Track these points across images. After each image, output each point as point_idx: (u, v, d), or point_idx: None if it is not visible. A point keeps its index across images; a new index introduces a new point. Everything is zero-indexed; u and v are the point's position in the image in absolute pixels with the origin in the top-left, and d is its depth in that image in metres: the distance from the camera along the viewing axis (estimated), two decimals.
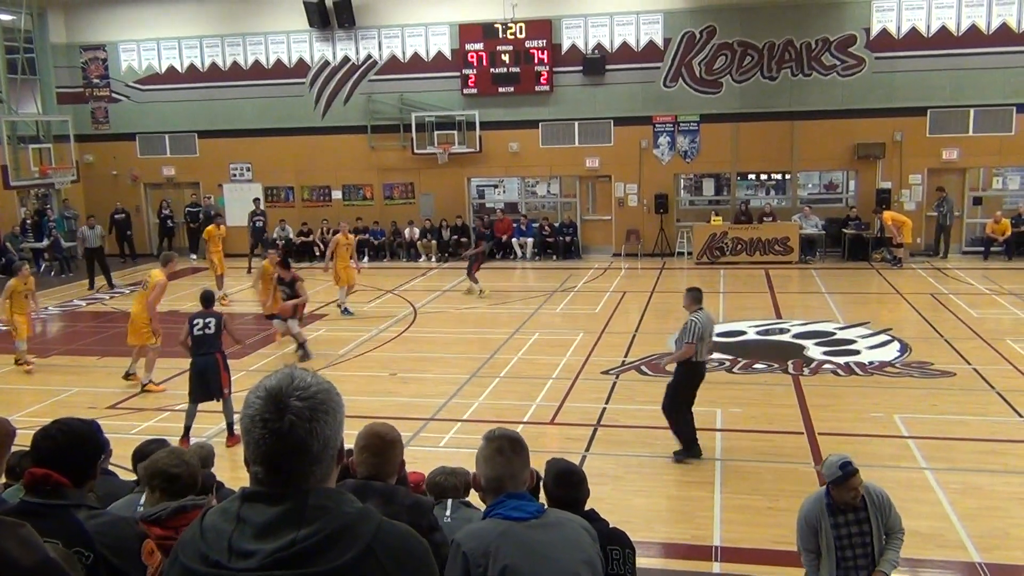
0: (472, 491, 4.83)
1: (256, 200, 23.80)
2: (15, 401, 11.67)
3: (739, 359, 12.75)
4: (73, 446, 2.97)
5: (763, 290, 18.23)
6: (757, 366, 12.43)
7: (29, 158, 22.04)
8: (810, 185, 24.04)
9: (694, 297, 9.04)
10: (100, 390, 12.22)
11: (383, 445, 3.49)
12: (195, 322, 9.92)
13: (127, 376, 12.46)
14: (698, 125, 22.36)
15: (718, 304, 16.97)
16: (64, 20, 25.28)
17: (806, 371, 12.10)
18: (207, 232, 18.91)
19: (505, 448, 3.03)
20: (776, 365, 12.41)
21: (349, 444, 3.77)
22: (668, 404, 9.06)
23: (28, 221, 23.99)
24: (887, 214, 20.55)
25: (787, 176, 22.96)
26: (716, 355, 12.92)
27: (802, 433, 9.73)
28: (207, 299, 10.41)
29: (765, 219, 21.80)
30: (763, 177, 23.97)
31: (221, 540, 1.80)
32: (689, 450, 8.96)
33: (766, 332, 14.54)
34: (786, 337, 14.15)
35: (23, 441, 4.00)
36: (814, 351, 13.13)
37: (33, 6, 22.16)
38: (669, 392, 9.08)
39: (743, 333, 14.46)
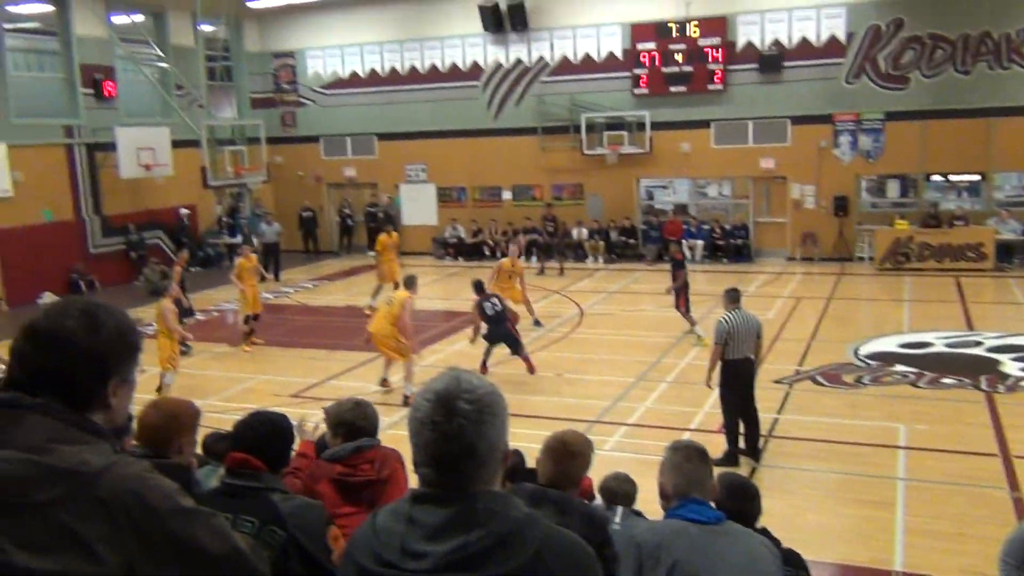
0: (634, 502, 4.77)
1: (548, 206, 23.94)
2: (206, 386, 12.55)
3: (925, 372, 11.97)
4: (271, 436, 3.23)
5: (953, 299, 17.05)
6: (945, 381, 11.63)
7: (225, 160, 23.61)
8: (1008, 187, 22.20)
9: (731, 297, 9.32)
10: (284, 379, 12.94)
11: (566, 454, 3.41)
12: (484, 305, 12.37)
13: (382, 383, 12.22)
14: (882, 123, 21.20)
15: (902, 313, 16.04)
16: (258, 30, 27.03)
17: (1001, 388, 11.21)
18: (380, 243, 18.53)
19: (693, 456, 3.08)
20: (967, 380, 11.57)
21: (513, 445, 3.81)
22: (722, 408, 9.21)
23: (223, 219, 25.79)
24: None
25: (981, 177, 21.36)
26: (899, 367, 12.25)
27: (996, 455, 9.02)
28: (477, 287, 12.68)
29: (956, 223, 20.38)
30: (954, 178, 22.36)
31: (393, 540, 1.84)
32: (727, 458, 8.84)
33: (956, 344, 13.58)
34: (979, 351, 13.17)
35: (211, 423, 4.30)
36: (1011, 366, 12.14)
37: (231, 17, 23.78)
38: (720, 396, 9.24)
39: (930, 345, 13.57)
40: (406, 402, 11.50)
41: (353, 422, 3.93)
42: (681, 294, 14.59)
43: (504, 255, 22.81)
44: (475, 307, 12.65)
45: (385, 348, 11.86)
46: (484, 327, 12.54)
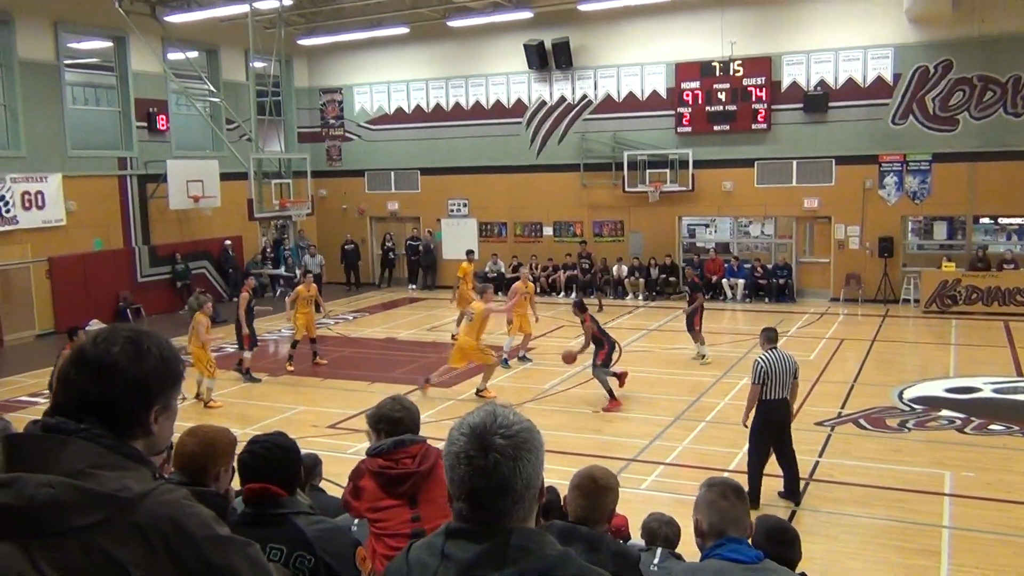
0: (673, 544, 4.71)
1: (583, 243, 24.07)
2: (246, 415, 12.67)
3: (972, 418, 11.70)
4: (282, 460, 3.25)
5: (1002, 344, 16.68)
6: (993, 427, 11.35)
7: (272, 192, 24.00)
8: None
9: (768, 337, 9.29)
10: (322, 410, 13.03)
11: (595, 489, 3.43)
12: (596, 319, 13.14)
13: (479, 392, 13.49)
14: (930, 164, 20.96)
15: (949, 357, 15.72)
16: (307, 66, 27.62)
17: None
18: (462, 270, 18.90)
19: (729, 493, 3.03)
20: (1016, 427, 11.28)
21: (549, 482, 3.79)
22: (749, 447, 9.06)
23: (268, 250, 26.16)
24: None
25: None
26: (945, 412, 11.99)
27: None
28: (579, 305, 13.24)
29: (1005, 266, 20.01)
30: (1004, 221, 22.02)
31: (426, 574, 1.84)
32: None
33: (1005, 390, 13.27)
34: None
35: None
36: None
37: (281, 54, 24.28)
38: (750, 434, 9.09)
39: (977, 390, 13.27)
40: (478, 394, 13.37)
41: (391, 415, 3.93)
42: (697, 314, 15.33)
43: (550, 290, 22.83)
44: (591, 325, 12.88)
45: (470, 358, 13.47)
46: (593, 346, 12.79)
